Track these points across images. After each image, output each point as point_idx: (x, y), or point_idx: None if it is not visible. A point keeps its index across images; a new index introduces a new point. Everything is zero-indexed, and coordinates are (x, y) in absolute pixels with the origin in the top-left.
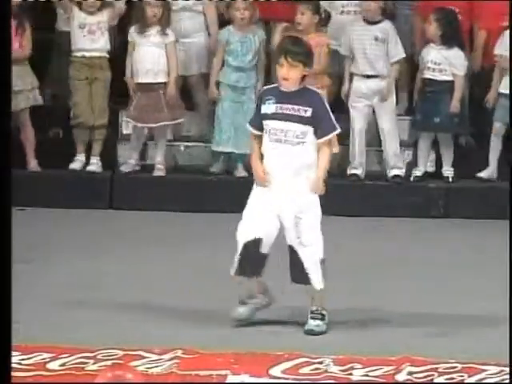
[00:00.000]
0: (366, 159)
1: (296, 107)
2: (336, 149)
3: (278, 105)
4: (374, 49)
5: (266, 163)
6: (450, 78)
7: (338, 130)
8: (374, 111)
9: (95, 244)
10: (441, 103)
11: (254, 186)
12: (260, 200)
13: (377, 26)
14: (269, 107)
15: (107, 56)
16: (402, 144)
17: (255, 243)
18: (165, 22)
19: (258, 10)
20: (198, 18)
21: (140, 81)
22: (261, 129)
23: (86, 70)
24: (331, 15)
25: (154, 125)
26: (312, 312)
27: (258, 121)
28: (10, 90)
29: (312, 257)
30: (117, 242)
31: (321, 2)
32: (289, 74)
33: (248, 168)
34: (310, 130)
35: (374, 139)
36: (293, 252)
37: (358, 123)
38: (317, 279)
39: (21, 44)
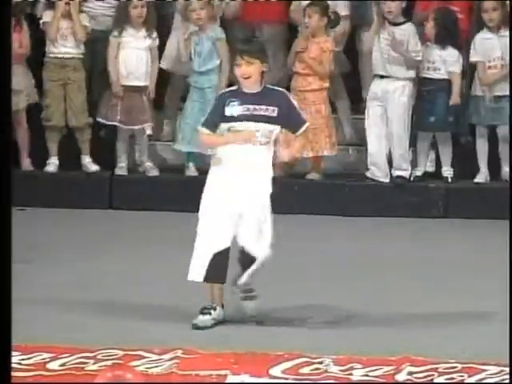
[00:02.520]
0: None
1: (263, 107)
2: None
3: (245, 106)
4: (388, 49)
5: (228, 165)
6: (444, 77)
7: (307, 123)
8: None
9: (95, 244)
10: (437, 102)
11: (208, 184)
12: (221, 203)
13: (397, 28)
14: (234, 109)
15: (81, 57)
16: None
17: (225, 252)
18: (151, 24)
19: (216, 9)
20: None
21: (125, 83)
22: (213, 130)
23: (58, 72)
24: (340, 17)
25: (138, 126)
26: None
27: (214, 123)
28: (10, 91)
29: (261, 259)
30: (116, 242)
31: (329, 3)
32: (248, 71)
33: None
34: (276, 128)
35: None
36: (245, 253)
37: (372, 123)
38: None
39: (20, 43)
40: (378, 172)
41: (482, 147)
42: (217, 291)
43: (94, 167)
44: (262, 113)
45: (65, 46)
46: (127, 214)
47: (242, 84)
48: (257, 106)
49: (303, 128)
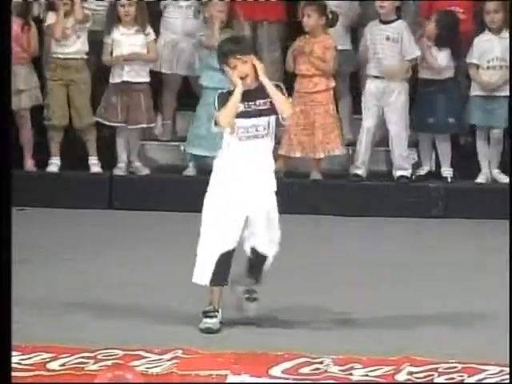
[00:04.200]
0: (369, 159)
1: (262, 101)
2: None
3: (245, 103)
4: (384, 48)
5: (234, 164)
6: (441, 77)
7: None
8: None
9: (95, 244)
10: (436, 103)
11: (211, 186)
12: (226, 203)
13: (390, 26)
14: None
15: (84, 58)
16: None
17: (229, 254)
18: (142, 20)
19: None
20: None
21: (121, 80)
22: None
23: (61, 72)
24: (339, 16)
25: (135, 126)
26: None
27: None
28: (10, 91)
29: (272, 256)
30: (116, 242)
31: (328, 3)
32: (245, 71)
33: None
34: (272, 119)
35: (380, 139)
36: (256, 253)
37: (367, 122)
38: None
39: (27, 43)
40: (364, 171)
41: (482, 148)
42: (218, 293)
43: (98, 169)
44: (262, 107)
45: (68, 47)
46: (127, 214)
47: (241, 85)
48: (256, 101)
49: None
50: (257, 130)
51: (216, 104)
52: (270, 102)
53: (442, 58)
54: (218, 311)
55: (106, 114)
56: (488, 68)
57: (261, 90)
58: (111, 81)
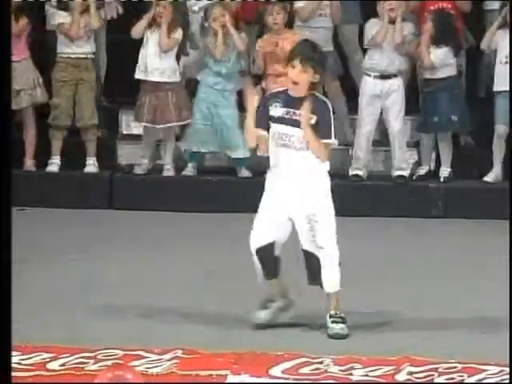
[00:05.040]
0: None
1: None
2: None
3: (285, 109)
4: (387, 48)
5: (273, 166)
6: (443, 76)
7: (332, 141)
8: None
9: (95, 244)
10: (439, 102)
11: (267, 188)
12: (270, 204)
13: (394, 25)
14: (276, 110)
15: (93, 57)
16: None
17: (267, 247)
18: (172, 20)
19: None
20: None
21: (148, 79)
22: (267, 129)
23: (70, 72)
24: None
25: (163, 125)
26: (332, 316)
27: (265, 122)
28: (10, 91)
29: (328, 258)
30: (116, 242)
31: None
32: (299, 78)
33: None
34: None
35: (378, 139)
36: (309, 255)
37: (368, 124)
38: (333, 282)
39: (26, 42)
40: (365, 172)
41: (498, 146)
42: (275, 287)
43: (95, 169)
44: (300, 118)
45: (80, 47)
46: (127, 214)
47: (289, 87)
48: (297, 111)
49: (324, 140)
50: (289, 140)
51: (265, 104)
52: (315, 119)
53: (437, 56)
54: (272, 302)
55: (147, 115)
56: (506, 63)
57: (308, 101)
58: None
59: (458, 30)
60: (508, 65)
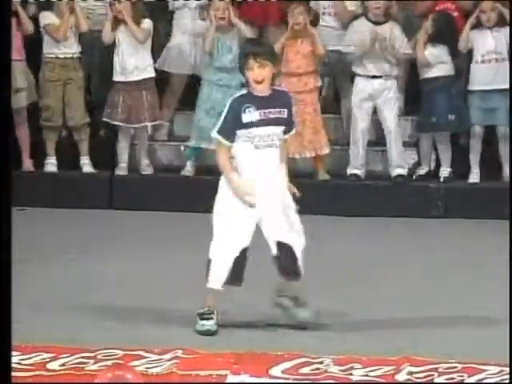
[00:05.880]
0: (366, 158)
1: (277, 110)
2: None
3: (261, 111)
4: (378, 49)
5: (249, 171)
6: (439, 74)
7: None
8: (376, 111)
9: (95, 244)
10: (437, 102)
11: (222, 188)
12: (238, 206)
13: (382, 27)
14: (252, 115)
15: (80, 56)
16: (404, 144)
17: (243, 253)
18: (135, 13)
19: (236, 10)
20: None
21: (123, 79)
22: (233, 139)
23: (59, 72)
24: (319, 16)
25: (137, 125)
26: (297, 301)
27: (231, 131)
28: (10, 91)
29: (301, 247)
30: (116, 242)
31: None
32: (261, 75)
33: None
34: (283, 129)
35: (377, 139)
36: (284, 246)
37: (362, 123)
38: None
39: (22, 41)
40: (363, 172)
41: (475, 147)
42: (214, 295)
43: (91, 168)
44: (276, 115)
45: (65, 46)
46: (127, 214)
47: (255, 88)
48: (271, 110)
49: (293, 131)
50: (272, 140)
51: (234, 112)
52: (283, 112)
53: (431, 53)
54: (213, 313)
55: (110, 113)
56: (483, 62)
57: (274, 97)
58: (114, 79)
59: (456, 32)
60: (484, 64)
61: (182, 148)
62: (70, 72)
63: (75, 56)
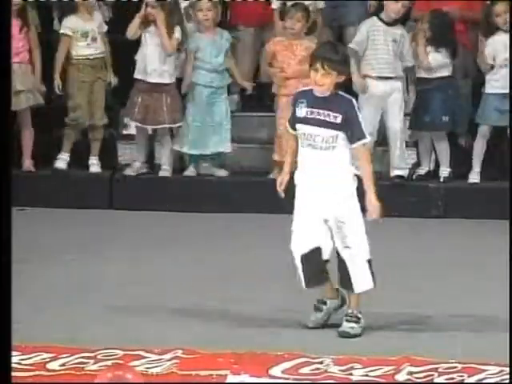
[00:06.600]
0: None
1: (326, 112)
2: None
3: (309, 109)
4: (390, 50)
5: (301, 166)
6: (438, 76)
7: (368, 139)
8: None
9: (95, 244)
10: (432, 102)
11: (297, 190)
12: (306, 206)
13: (395, 28)
14: (300, 111)
15: (105, 56)
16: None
17: (312, 254)
18: (167, 20)
19: (220, 11)
20: None
21: (148, 80)
22: (295, 128)
23: (88, 72)
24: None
25: (154, 126)
26: (347, 315)
27: (293, 120)
28: (10, 91)
29: (355, 258)
30: (117, 242)
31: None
32: (322, 81)
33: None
34: (339, 134)
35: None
36: (340, 258)
37: (367, 123)
38: (362, 281)
39: (24, 44)
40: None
41: (480, 147)
42: (326, 288)
43: (98, 169)
44: (323, 118)
45: (95, 48)
46: (127, 214)
47: (314, 87)
48: (321, 111)
49: (360, 142)
50: (314, 141)
51: (293, 104)
52: (336, 117)
53: (434, 57)
54: (325, 303)
55: (128, 111)
56: (501, 67)
57: (331, 100)
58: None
59: (454, 31)
60: (507, 68)
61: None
62: (98, 71)
63: (103, 56)
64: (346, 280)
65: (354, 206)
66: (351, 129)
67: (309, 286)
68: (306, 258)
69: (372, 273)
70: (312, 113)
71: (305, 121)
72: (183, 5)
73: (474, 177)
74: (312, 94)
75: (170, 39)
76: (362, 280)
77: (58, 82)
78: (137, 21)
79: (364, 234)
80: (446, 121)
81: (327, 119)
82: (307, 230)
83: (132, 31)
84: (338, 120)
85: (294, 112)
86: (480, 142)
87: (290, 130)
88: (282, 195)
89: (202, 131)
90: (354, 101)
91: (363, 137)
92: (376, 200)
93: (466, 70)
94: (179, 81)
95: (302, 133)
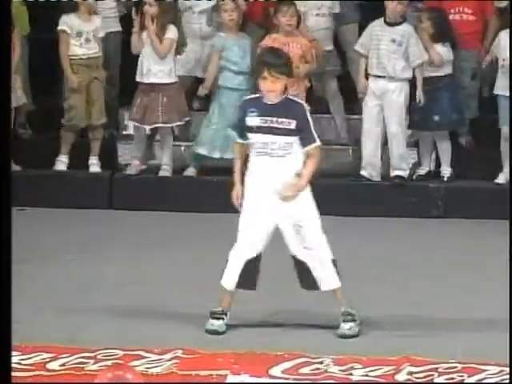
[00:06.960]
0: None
1: (280, 120)
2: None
3: (262, 118)
4: (388, 50)
5: (253, 176)
6: (445, 74)
7: (318, 143)
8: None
9: (95, 244)
10: (439, 100)
11: (245, 195)
12: (256, 212)
13: (396, 28)
14: (253, 120)
15: (101, 55)
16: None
17: (256, 258)
18: (161, 20)
19: (243, 12)
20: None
21: (144, 81)
22: (244, 137)
23: (83, 72)
24: (303, 17)
25: (150, 126)
26: (343, 314)
27: (240, 129)
28: (10, 91)
29: (319, 259)
30: (117, 242)
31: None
32: (274, 87)
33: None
34: (295, 140)
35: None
36: (297, 261)
37: (367, 123)
38: (330, 280)
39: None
40: (373, 172)
41: (505, 148)
42: (229, 296)
43: (98, 169)
44: (279, 125)
45: (90, 48)
46: (127, 214)
47: (265, 95)
48: (274, 118)
49: (311, 146)
50: (270, 149)
51: (241, 112)
52: (290, 123)
53: (444, 52)
54: (226, 314)
55: (130, 112)
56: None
57: (283, 107)
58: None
59: (452, 28)
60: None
61: (183, 149)
62: (94, 71)
63: (98, 55)
64: (308, 280)
65: (310, 208)
66: (304, 133)
67: (241, 287)
68: (248, 263)
69: (337, 272)
70: (265, 121)
71: (259, 130)
72: (206, 6)
73: (501, 177)
74: (261, 102)
75: (161, 40)
76: (328, 279)
77: (71, 78)
78: (135, 36)
79: (323, 234)
80: (456, 119)
81: (282, 126)
82: (257, 236)
83: (135, 45)
84: (293, 126)
85: (241, 120)
86: (503, 145)
87: (238, 139)
88: (240, 208)
89: (220, 135)
90: (304, 105)
91: (315, 140)
92: (298, 186)
93: (475, 71)
94: (199, 80)
95: (255, 142)
